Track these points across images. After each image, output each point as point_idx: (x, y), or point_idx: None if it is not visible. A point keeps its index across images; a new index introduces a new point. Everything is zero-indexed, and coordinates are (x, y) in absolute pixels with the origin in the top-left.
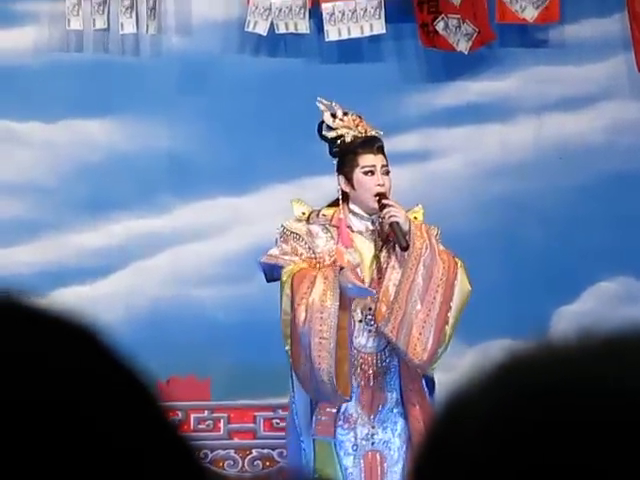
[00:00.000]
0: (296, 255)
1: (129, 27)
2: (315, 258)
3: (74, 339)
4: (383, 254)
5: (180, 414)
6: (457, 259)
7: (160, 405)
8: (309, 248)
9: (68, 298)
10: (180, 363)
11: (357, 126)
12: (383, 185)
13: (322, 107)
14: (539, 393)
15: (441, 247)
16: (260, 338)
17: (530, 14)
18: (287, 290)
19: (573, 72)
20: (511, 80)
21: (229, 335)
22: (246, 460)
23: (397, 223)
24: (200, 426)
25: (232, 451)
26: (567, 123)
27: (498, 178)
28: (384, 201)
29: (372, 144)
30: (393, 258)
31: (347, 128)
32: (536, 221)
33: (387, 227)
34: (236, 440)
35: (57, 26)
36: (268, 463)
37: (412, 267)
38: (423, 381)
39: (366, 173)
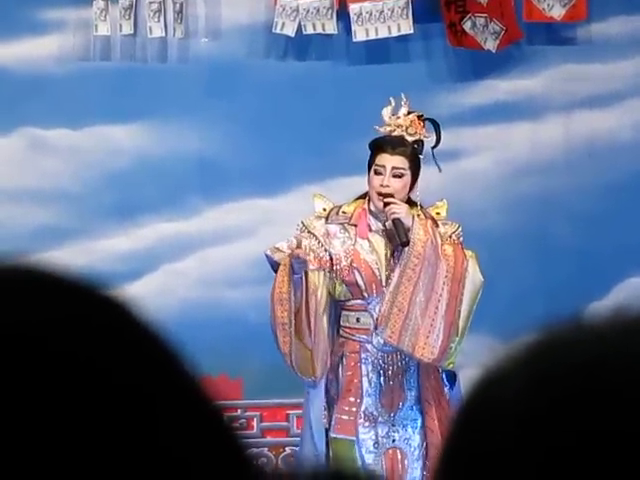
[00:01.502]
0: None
1: (157, 31)
2: (330, 259)
3: (109, 304)
4: (393, 256)
5: None
6: (468, 251)
7: (190, 372)
8: (325, 250)
9: None
10: (211, 363)
11: (408, 127)
12: (387, 186)
13: (391, 101)
14: (573, 368)
15: (457, 242)
16: None
17: (557, 12)
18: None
19: (601, 70)
20: (539, 78)
21: (260, 335)
22: (279, 458)
23: (399, 219)
24: (234, 425)
25: (265, 449)
26: (595, 121)
27: (527, 176)
28: (386, 199)
29: (393, 145)
30: (400, 258)
31: (397, 126)
32: (565, 218)
33: (390, 224)
34: (269, 438)
35: (84, 33)
36: (297, 460)
37: (414, 267)
38: (443, 376)
39: (376, 172)
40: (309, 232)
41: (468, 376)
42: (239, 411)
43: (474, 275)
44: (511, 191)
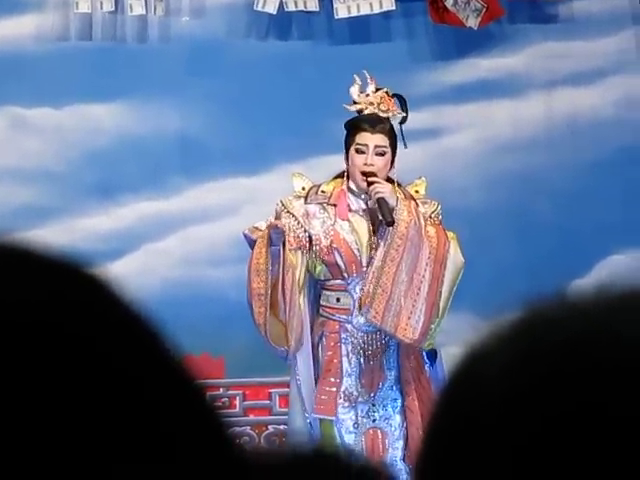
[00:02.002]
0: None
1: (138, 9)
2: (309, 239)
3: (83, 281)
4: (375, 237)
5: None
6: (449, 232)
7: (169, 349)
8: (304, 230)
9: None
10: (194, 342)
11: (380, 103)
12: (371, 165)
13: (356, 79)
14: (557, 345)
15: (436, 221)
16: None
17: None
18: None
19: (583, 47)
20: (521, 56)
21: (242, 313)
22: (262, 436)
23: (383, 199)
24: (215, 404)
25: (248, 428)
26: (577, 98)
27: (509, 154)
28: (370, 178)
29: (373, 123)
30: (383, 239)
31: (368, 104)
32: (547, 196)
33: (373, 203)
34: (252, 417)
35: (64, 11)
36: (284, 439)
37: (397, 248)
38: (424, 354)
39: (358, 151)
40: (288, 212)
41: (450, 354)
42: (221, 390)
43: (455, 256)
44: (493, 168)
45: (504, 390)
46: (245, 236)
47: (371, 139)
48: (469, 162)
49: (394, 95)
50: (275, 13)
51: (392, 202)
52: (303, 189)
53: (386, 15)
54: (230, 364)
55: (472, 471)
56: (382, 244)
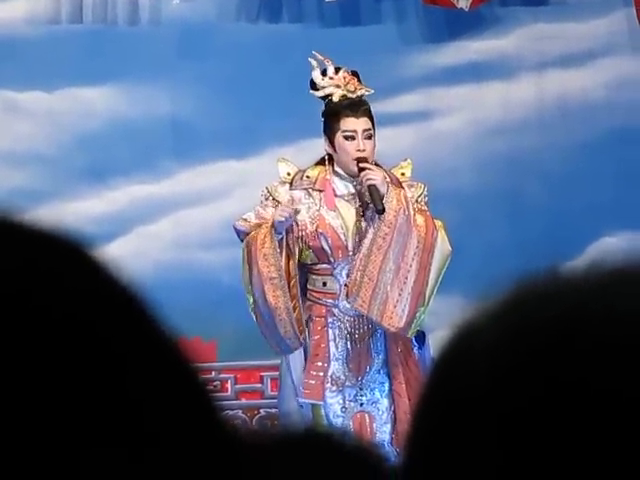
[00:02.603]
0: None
1: None
2: (296, 225)
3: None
4: (363, 221)
5: None
6: (437, 220)
7: (159, 325)
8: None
9: None
10: (185, 326)
11: (347, 84)
12: (364, 150)
13: (314, 63)
14: (547, 320)
15: (424, 207)
16: None
17: None
18: (244, 254)
19: (573, 29)
20: (512, 38)
21: (234, 297)
22: (254, 420)
23: (374, 186)
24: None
25: (240, 411)
26: (568, 80)
27: (499, 136)
28: (362, 164)
29: (355, 107)
30: (371, 226)
31: (335, 86)
32: (538, 178)
33: (364, 190)
34: (243, 400)
35: None
36: (276, 422)
37: (384, 236)
38: (412, 338)
39: (347, 137)
40: (274, 199)
41: (440, 337)
42: (213, 373)
43: (443, 245)
44: (483, 150)
45: (493, 366)
46: (235, 228)
47: (357, 124)
48: (460, 144)
49: (351, 73)
50: None
51: (383, 190)
52: (288, 174)
53: None
54: (222, 348)
55: (460, 448)
56: (370, 232)
